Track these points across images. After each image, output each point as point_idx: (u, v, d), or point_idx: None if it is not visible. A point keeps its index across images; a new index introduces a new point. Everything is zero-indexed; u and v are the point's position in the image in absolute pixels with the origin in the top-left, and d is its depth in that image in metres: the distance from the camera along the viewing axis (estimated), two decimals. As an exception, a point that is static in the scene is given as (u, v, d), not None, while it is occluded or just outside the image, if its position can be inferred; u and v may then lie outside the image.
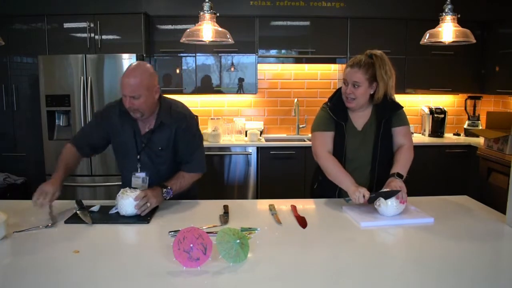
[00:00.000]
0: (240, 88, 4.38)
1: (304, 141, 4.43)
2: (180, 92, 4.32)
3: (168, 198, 1.98)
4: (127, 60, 3.80)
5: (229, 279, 1.33)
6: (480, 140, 4.21)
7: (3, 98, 4.09)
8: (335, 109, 2.15)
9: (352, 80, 2.06)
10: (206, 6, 2.33)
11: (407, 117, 2.20)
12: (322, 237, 1.71)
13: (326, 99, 2.23)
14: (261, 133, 4.50)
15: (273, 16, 4.26)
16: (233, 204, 2.06)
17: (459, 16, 2.38)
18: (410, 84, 4.38)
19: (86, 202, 2.00)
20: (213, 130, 4.21)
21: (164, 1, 4.18)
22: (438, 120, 4.52)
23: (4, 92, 4.08)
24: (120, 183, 2.24)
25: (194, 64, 4.31)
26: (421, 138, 4.55)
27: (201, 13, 2.34)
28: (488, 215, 1.95)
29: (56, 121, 3.93)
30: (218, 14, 2.37)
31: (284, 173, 4.15)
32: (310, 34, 4.34)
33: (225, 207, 1.98)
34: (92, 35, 4.00)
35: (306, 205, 2.07)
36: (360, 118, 2.16)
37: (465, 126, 4.67)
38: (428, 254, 1.53)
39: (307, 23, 4.33)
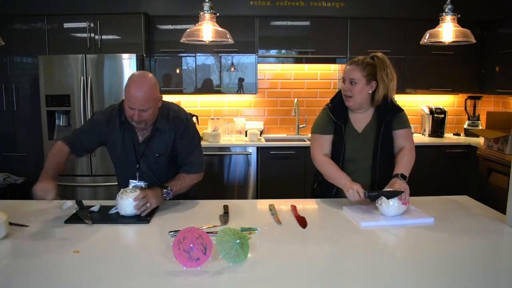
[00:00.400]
0: (240, 88, 4.38)
1: (304, 141, 4.43)
2: (180, 92, 4.32)
3: (168, 198, 1.98)
4: (127, 60, 3.79)
5: (229, 279, 1.33)
6: (480, 140, 4.20)
7: (3, 98, 4.09)
8: (336, 110, 2.15)
9: (349, 77, 2.07)
10: (206, 6, 2.33)
11: (408, 117, 2.20)
12: (322, 237, 1.71)
13: (326, 99, 2.24)
14: (261, 133, 4.49)
15: (273, 16, 4.26)
16: (233, 204, 2.05)
17: (459, 16, 2.38)
18: (410, 84, 4.38)
19: (86, 202, 2.00)
20: (213, 130, 4.21)
21: (164, 1, 4.18)
22: (438, 120, 4.52)
23: (4, 92, 4.08)
24: (120, 183, 2.23)
25: (194, 64, 4.31)
26: (421, 138, 4.55)
27: (201, 13, 2.34)
28: (488, 215, 1.95)
29: (56, 121, 3.93)
30: (218, 14, 2.37)
31: (284, 173, 4.15)
32: (310, 34, 4.34)
33: (225, 207, 1.98)
34: (92, 35, 4.00)
35: (306, 205, 2.07)
36: (360, 120, 2.16)
37: (465, 126, 4.67)
38: (428, 254, 1.53)
39: (307, 23, 4.33)
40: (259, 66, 4.47)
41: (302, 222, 1.82)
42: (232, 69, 4.34)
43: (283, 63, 4.66)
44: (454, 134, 4.69)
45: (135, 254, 1.53)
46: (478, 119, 4.65)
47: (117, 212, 1.88)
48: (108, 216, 1.87)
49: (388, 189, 1.91)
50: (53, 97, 3.80)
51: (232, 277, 1.34)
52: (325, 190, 2.21)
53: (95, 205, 1.98)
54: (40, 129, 3.86)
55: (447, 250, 1.56)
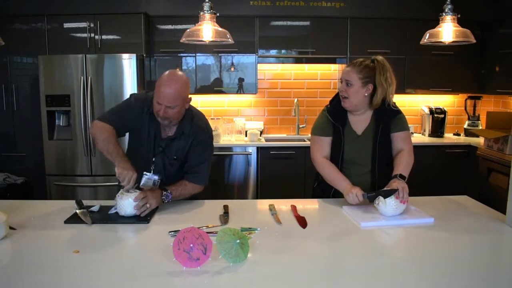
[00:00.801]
0: (240, 88, 4.38)
1: (304, 141, 4.43)
2: (180, 92, 4.31)
3: (166, 201, 1.98)
4: (127, 60, 3.79)
5: (229, 279, 1.33)
6: (480, 140, 4.20)
7: (3, 98, 4.08)
8: (334, 112, 2.16)
9: (345, 78, 2.09)
10: (206, 6, 2.33)
11: (407, 118, 2.20)
12: (322, 237, 1.71)
13: (326, 99, 2.25)
14: (261, 133, 4.50)
15: (273, 16, 4.26)
16: (233, 204, 2.06)
17: (459, 16, 2.38)
18: (410, 84, 4.38)
19: (86, 202, 2.00)
20: (213, 130, 4.19)
21: (164, 1, 4.18)
22: (438, 120, 4.52)
23: (4, 92, 4.08)
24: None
25: (194, 64, 4.31)
26: (421, 138, 4.55)
27: (201, 13, 2.34)
28: (488, 215, 1.95)
29: (56, 121, 3.92)
30: (218, 14, 2.37)
31: (284, 173, 4.15)
32: (310, 34, 4.34)
33: (225, 207, 1.98)
34: (92, 35, 4.00)
35: (306, 205, 2.07)
36: (360, 122, 2.16)
37: (465, 126, 4.67)
38: (428, 254, 1.53)
39: (307, 23, 4.33)
40: (259, 66, 4.47)
41: (302, 222, 1.82)
42: (232, 69, 4.34)
43: (283, 63, 4.66)
44: (454, 134, 4.69)
45: (135, 254, 1.53)
46: (478, 119, 4.65)
47: (117, 212, 1.88)
48: (108, 216, 1.87)
49: (385, 189, 1.92)
50: (53, 97, 3.80)
51: (232, 277, 1.34)
52: (325, 190, 2.22)
53: (95, 205, 1.98)
54: (40, 129, 3.85)
55: (447, 250, 1.56)
